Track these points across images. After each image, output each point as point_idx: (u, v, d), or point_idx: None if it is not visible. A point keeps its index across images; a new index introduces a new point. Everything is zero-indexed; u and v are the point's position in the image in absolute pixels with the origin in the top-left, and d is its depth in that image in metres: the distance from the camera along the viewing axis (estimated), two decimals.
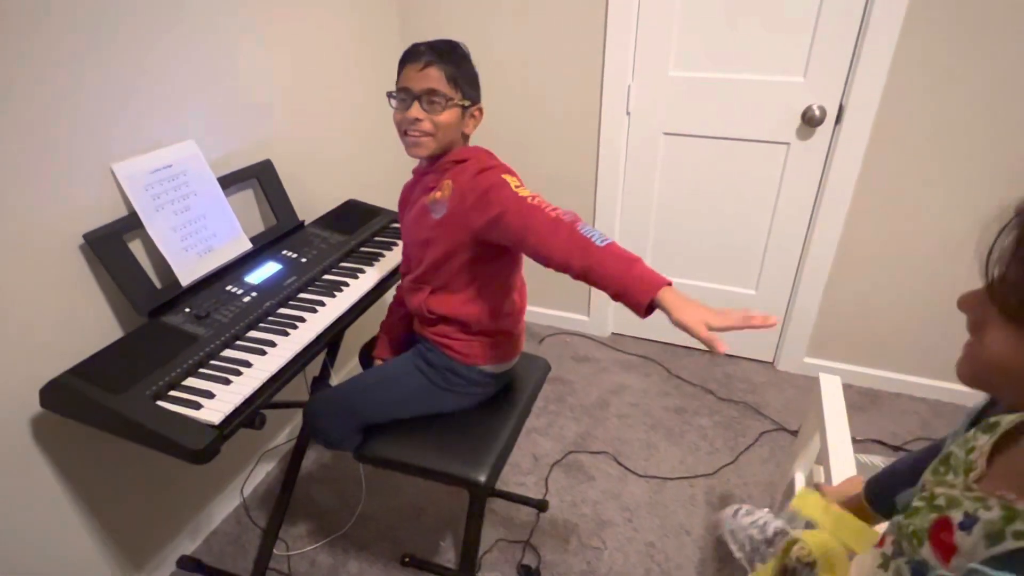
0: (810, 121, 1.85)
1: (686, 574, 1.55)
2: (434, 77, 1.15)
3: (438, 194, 1.19)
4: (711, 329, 0.85)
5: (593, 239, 0.99)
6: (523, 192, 1.09)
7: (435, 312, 1.26)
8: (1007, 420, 0.63)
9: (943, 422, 2.03)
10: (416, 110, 1.16)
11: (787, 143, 1.93)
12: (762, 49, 1.84)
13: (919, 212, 1.88)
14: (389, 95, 1.21)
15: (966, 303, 0.55)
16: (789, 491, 1.34)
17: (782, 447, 1.94)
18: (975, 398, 2.19)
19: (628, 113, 2.06)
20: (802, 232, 2.06)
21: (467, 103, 1.20)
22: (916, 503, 0.62)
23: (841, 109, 1.83)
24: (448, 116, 1.17)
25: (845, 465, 1.05)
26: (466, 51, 1.21)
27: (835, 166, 1.89)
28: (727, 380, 2.26)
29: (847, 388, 2.12)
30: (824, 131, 1.88)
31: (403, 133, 1.20)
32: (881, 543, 0.69)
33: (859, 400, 2.14)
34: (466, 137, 1.25)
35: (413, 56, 1.17)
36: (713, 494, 1.78)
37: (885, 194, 1.89)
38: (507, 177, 1.13)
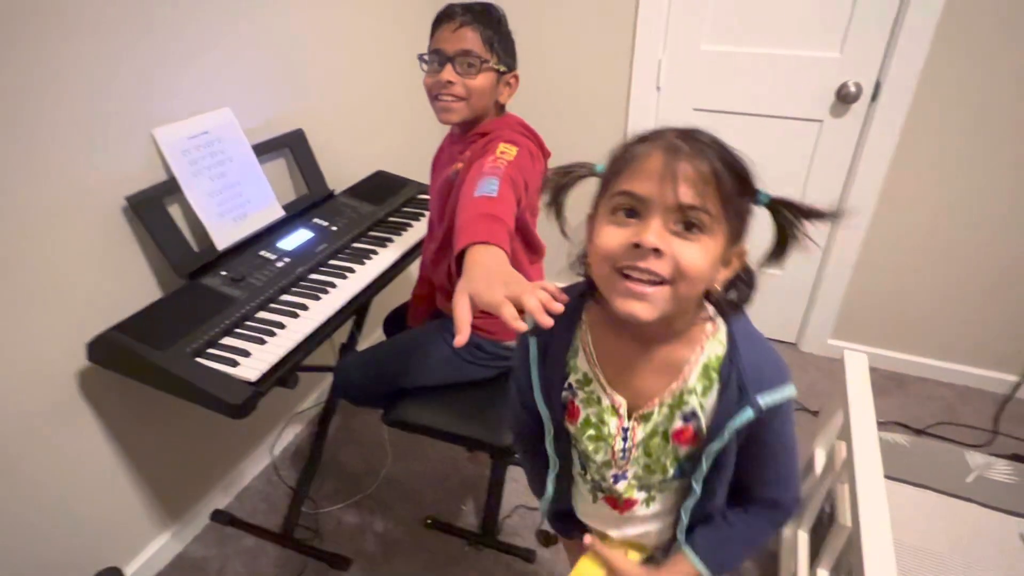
0: (845, 98, 1.82)
1: None
2: (469, 38, 1.11)
3: (459, 165, 1.18)
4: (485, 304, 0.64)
5: (480, 189, 0.92)
6: (499, 158, 1.04)
7: None
8: None
9: (969, 408, 2.01)
10: (449, 72, 1.12)
11: (820, 120, 1.90)
12: (798, 23, 1.80)
13: (954, 194, 1.84)
14: (420, 58, 1.17)
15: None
16: (808, 468, 1.36)
17: (802, 427, 1.93)
18: (1003, 382, 2.16)
19: (658, 88, 2.04)
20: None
21: (502, 68, 1.16)
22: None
23: (878, 86, 1.79)
24: (482, 80, 1.14)
25: (868, 442, 1.06)
26: (502, 14, 1.18)
27: (869, 145, 1.86)
28: None
29: (872, 371, 2.11)
30: (859, 109, 1.84)
31: (434, 98, 1.16)
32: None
33: (884, 383, 2.12)
34: (500, 107, 1.22)
35: (447, 16, 1.13)
36: None
37: (920, 175, 1.85)
38: (504, 147, 1.08)
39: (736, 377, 0.64)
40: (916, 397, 2.07)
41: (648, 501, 0.75)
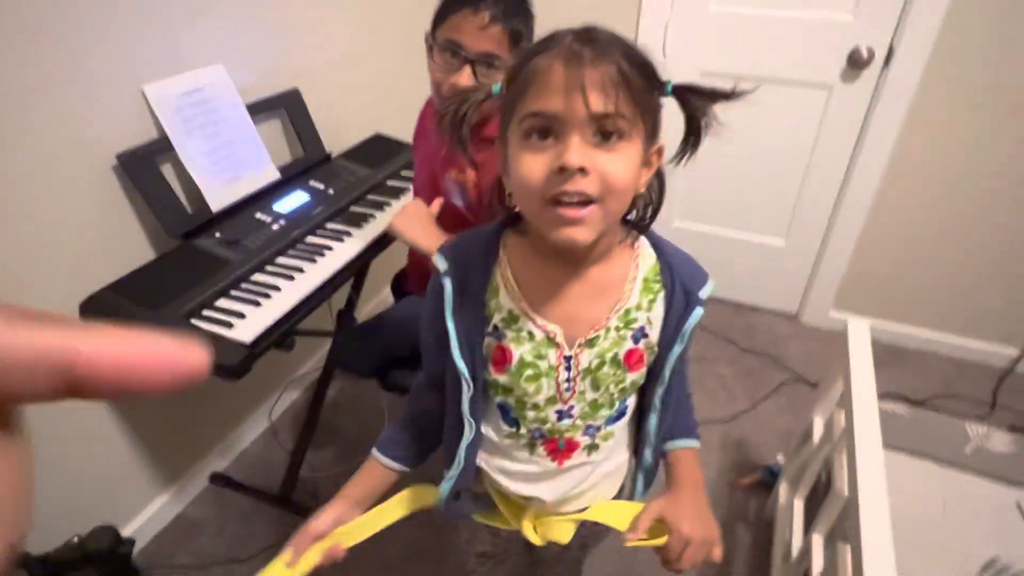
0: (856, 63, 1.77)
1: None
2: (496, 37, 0.93)
3: (458, 175, 1.11)
4: None
5: None
6: None
7: None
8: None
9: (967, 380, 2.01)
10: (466, 77, 0.94)
11: (830, 86, 1.85)
12: None
13: (963, 165, 1.81)
14: (429, 43, 0.98)
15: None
16: (806, 435, 1.35)
17: (801, 397, 1.94)
18: (1002, 356, 2.15)
19: (664, 51, 1.98)
20: (838, 181, 2.00)
21: None
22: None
23: (891, 51, 1.73)
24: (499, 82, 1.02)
25: (868, 410, 1.05)
26: None
27: (879, 113, 1.82)
28: (750, 330, 2.25)
29: (872, 343, 2.10)
30: (870, 75, 1.79)
31: (440, 95, 1.02)
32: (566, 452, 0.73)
33: (884, 355, 2.11)
34: None
35: (473, 3, 0.93)
36: (728, 439, 1.80)
37: (930, 144, 1.81)
38: None
39: (680, 286, 0.66)
40: (916, 369, 2.07)
41: (590, 449, 0.72)
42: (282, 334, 1.12)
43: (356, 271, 1.35)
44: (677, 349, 0.68)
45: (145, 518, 1.49)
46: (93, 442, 1.33)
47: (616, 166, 0.55)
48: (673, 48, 1.97)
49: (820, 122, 1.92)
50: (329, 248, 1.32)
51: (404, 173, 1.67)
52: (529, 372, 0.67)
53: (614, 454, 0.77)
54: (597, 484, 0.78)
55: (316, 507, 1.67)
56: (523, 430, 0.72)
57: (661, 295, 0.67)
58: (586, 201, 0.55)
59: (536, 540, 0.78)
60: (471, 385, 0.68)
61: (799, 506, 1.31)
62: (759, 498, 1.60)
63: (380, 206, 1.50)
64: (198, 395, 1.57)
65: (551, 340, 0.66)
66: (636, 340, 0.67)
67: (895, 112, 1.80)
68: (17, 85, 1.04)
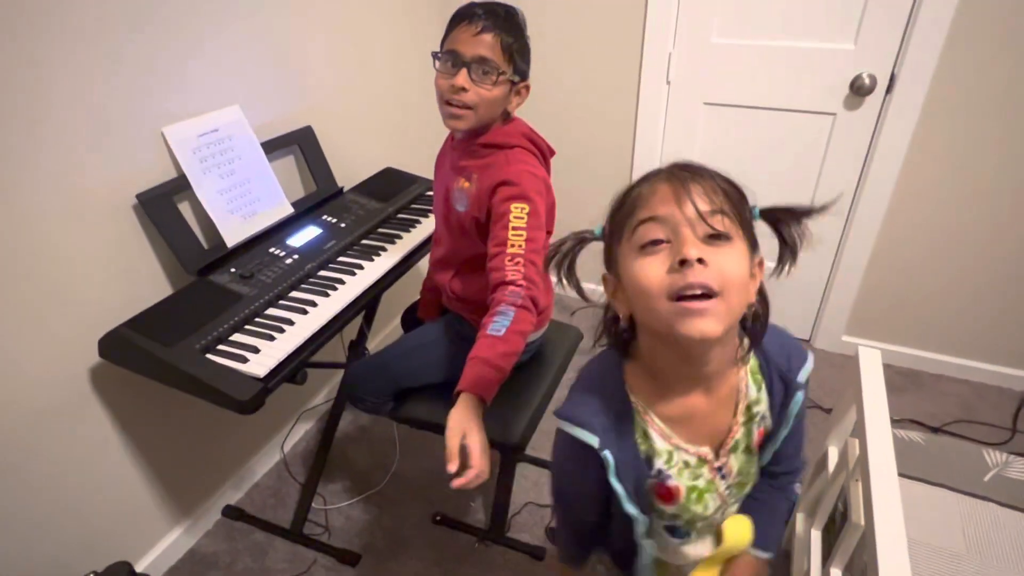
0: (859, 90, 1.79)
1: None
2: (488, 44, 1.06)
3: (465, 184, 1.16)
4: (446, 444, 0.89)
5: (493, 325, 1.02)
6: (515, 238, 1.07)
7: (459, 295, 1.28)
8: None
9: (985, 404, 1.97)
10: (463, 78, 1.07)
11: (833, 114, 1.87)
12: (811, 14, 1.77)
13: (970, 188, 1.81)
14: (435, 55, 1.12)
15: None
16: (821, 465, 1.34)
17: (815, 424, 1.92)
18: (1021, 381, 2.11)
19: (668, 82, 2.02)
20: (846, 206, 2.00)
21: (517, 79, 1.12)
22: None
23: (893, 78, 1.76)
24: (496, 92, 1.09)
25: (882, 439, 1.03)
26: (524, 19, 1.12)
27: (883, 139, 1.83)
28: None
29: (886, 368, 2.07)
30: (873, 101, 1.81)
31: (444, 101, 1.12)
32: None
33: (899, 381, 2.09)
34: (507, 114, 1.18)
35: (468, 17, 1.07)
36: None
37: (935, 169, 1.82)
38: (517, 207, 1.08)
39: (776, 372, 0.72)
40: (932, 394, 2.04)
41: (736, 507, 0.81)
42: (295, 367, 1.14)
43: (367, 303, 1.37)
44: (783, 432, 0.75)
45: (158, 552, 1.49)
46: (107, 477, 1.34)
47: (730, 262, 0.58)
48: (676, 78, 2.00)
49: (825, 149, 1.93)
50: (341, 282, 1.34)
51: (415, 206, 1.70)
52: (695, 495, 0.73)
53: None
54: None
55: (328, 539, 1.67)
56: (694, 535, 0.80)
57: (763, 384, 0.73)
58: (708, 294, 0.57)
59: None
60: (644, 519, 0.75)
61: (816, 537, 1.29)
62: None
63: (391, 239, 1.53)
64: (211, 429, 1.58)
65: (703, 460, 0.73)
66: (758, 426, 0.74)
67: (900, 137, 1.81)
68: (42, 129, 1.08)
